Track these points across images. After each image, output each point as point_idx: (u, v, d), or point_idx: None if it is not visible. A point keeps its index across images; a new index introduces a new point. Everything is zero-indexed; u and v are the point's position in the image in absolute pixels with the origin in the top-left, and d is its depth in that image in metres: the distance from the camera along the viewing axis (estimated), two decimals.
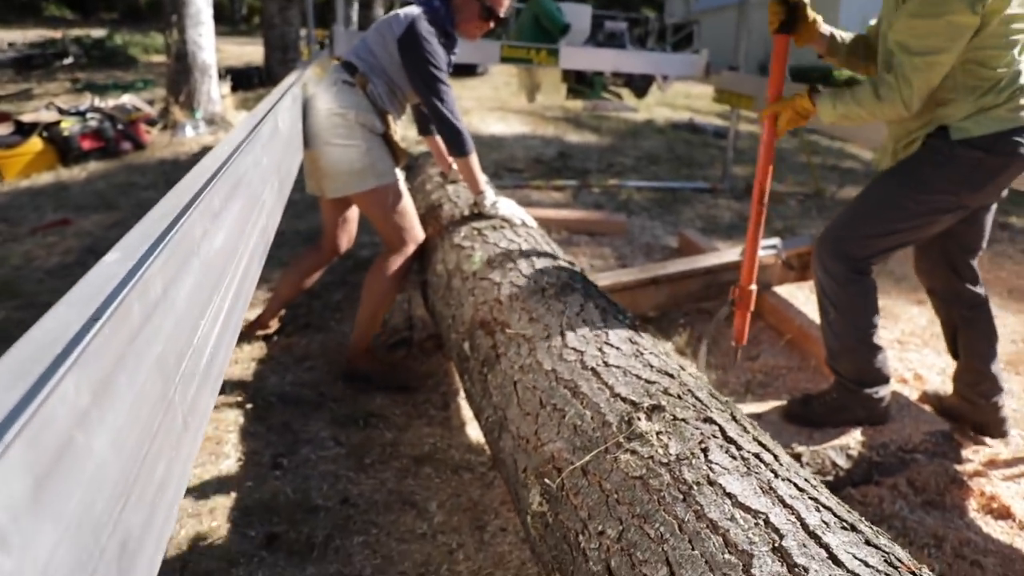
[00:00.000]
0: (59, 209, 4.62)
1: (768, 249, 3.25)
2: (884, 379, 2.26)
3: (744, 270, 2.17)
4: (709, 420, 1.22)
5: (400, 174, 2.59)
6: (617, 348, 1.50)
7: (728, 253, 3.40)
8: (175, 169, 5.68)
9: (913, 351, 3.07)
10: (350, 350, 2.70)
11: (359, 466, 2.26)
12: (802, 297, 3.56)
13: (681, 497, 1.06)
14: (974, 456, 2.31)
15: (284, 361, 2.86)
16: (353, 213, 2.84)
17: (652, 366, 1.42)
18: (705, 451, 1.14)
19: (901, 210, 2.07)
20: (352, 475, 2.22)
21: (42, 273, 3.63)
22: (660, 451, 1.15)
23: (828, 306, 2.24)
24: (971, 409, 2.38)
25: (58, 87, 10.35)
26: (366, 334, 2.68)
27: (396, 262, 2.58)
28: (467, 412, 2.56)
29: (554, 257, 2.05)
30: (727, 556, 0.93)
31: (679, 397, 1.29)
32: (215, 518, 2.03)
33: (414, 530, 2.00)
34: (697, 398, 1.30)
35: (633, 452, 1.18)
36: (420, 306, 2.92)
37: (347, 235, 2.86)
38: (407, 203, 2.57)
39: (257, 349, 2.93)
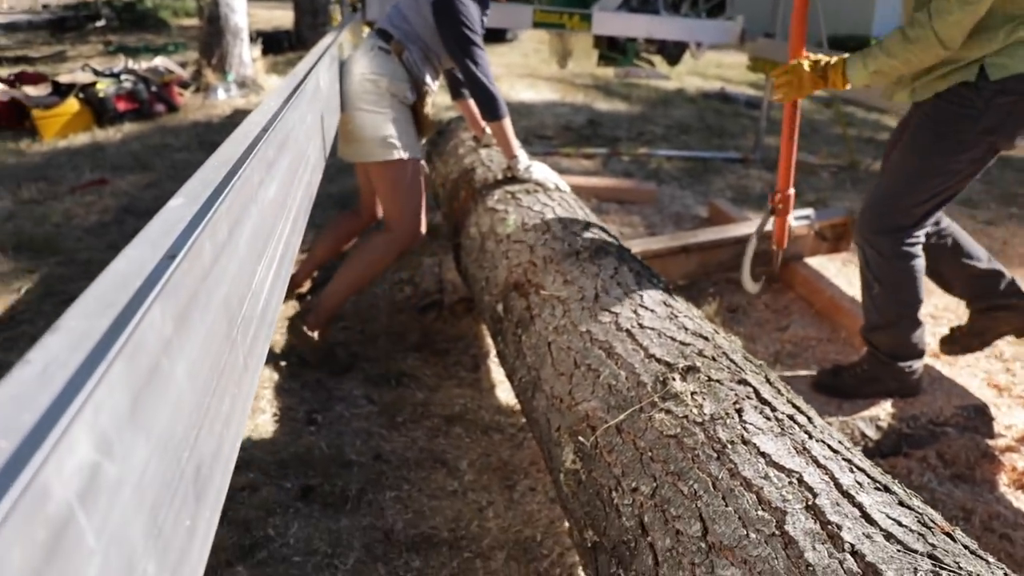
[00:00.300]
0: (96, 169, 4.70)
1: (801, 220, 3.22)
2: (919, 353, 2.25)
3: (781, 176, 2.20)
4: (743, 382, 1.23)
5: (422, 154, 2.57)
6: (651, 311, 1.51)
7: (758, 222, 3.38)
8: (208, 131, 5.74)
9: (946, 325, 3.04)
10: (313, 314, 2.60)
11: (391, 424, 2.31)
12: (833, 269, 3.53)
13: (715, 455, 1.07)
14: (1006, 431, 2.30)
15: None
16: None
17: (687, 328, 1.43)
18: (739, 411, 1.15)
19: (943, 175, 2.02)
20: (384, 432, 2.27)
21: (81, 231, 3.71)
22: (695, 411, 1.17)
23: (872, 280, 2.19)
24: (1005, 315, 2.35)
25: (91, 49, 10.43)
26: (333, 307, 2.61)
27: (389, 247, 2.56)
28: (497, 374, 2.59)
29: (588, 221, 2.06)
30: (761, 513, 0.95)
31: (713, 359, 1.31)
32: (252, 470, 2.09)
33: (445, 487, 2.05)
34: (732, 360, 1.31)
35: (668, 411, 1.19)
36: (451, 269, 2.95)
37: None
38: (420, 188, 2.55)
39: (290, 308, 2.98)
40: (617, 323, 1.48)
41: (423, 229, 2.61)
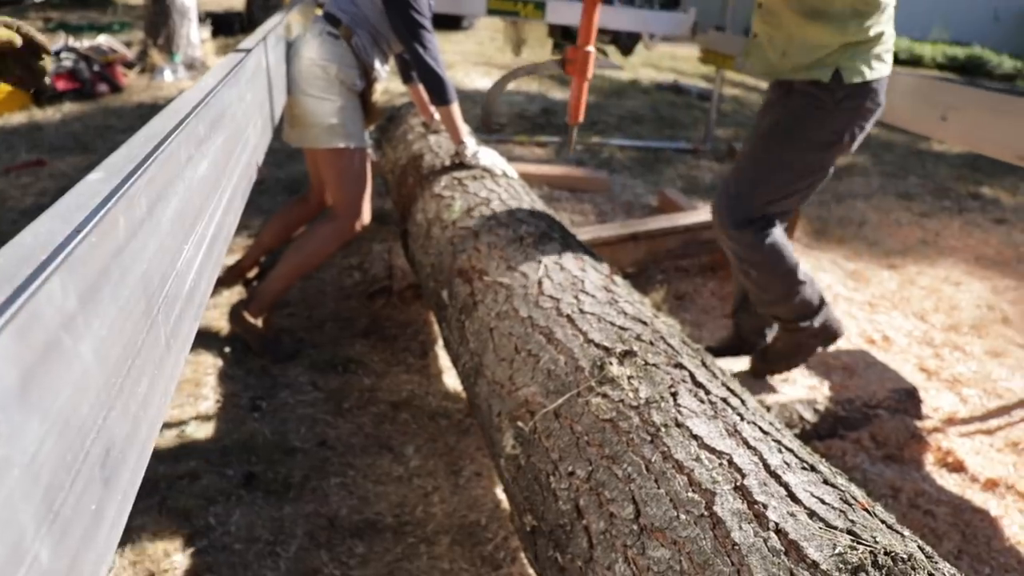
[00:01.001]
0: (33, 150, 4.52)
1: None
2: (820, 303, 2.26)
3: (581, 34, 2.02)
4: (679, 365, 1.25)
5: (368, 142, 2.53)
6: (592, 296, 1.52)
7: (707, 212, 3.43)
8: (153, 112, 5.55)
9: (882, 313, 3.14)
10: (255, 301, 2.56)
11: (337, 410, 2.28)
12: None
13: (649, 439, 1.09)
14: (934, 413, 2.39)
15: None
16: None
17: (626, 313, 1.45)
18: (674, 395, 1.17)
19: (795, 171, 2.07)
20: (330, 419, 2.24)
21: (16, 213, 3.56)
22: (630, 395, 1.18)
23: (747, 268, 2.21)
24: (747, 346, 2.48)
25: (29, 26, 10.00)
26: (273, 294, 2.56)
27: (333, 235, 2.53)
28: (445, 361, 2.58)
29: (533, 208, 2.06)
30: (691, 495, 0.97)
31: (651, 343, 1.32)
32: (193, 457, 2.05)
33: (390, 473, 2.04)
34: (669, 344, 1.33)
35: (604, 396, 1.21)
36: (400, 256, 2.93)
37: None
38: (365, 176, 2.52)
39: (236, 294, 2.92)
40: (558, 308, 1.49)
41: (367, 218, 2.58)
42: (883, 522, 0.90)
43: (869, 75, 1.93)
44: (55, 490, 0.48)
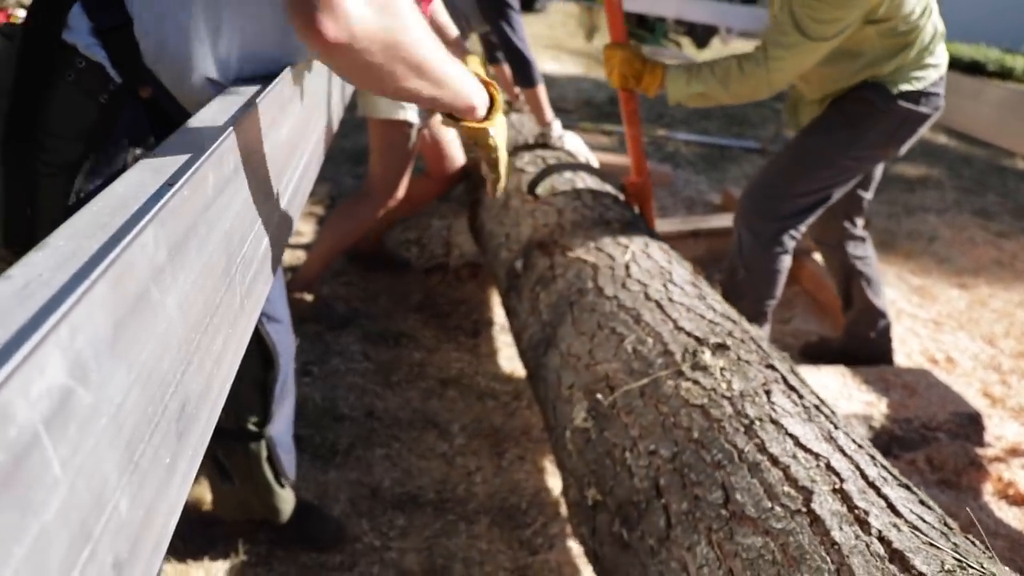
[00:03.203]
0: None
1: None
2: None
3: (632, 163, 2.16)
4: (771, 367, 1.22)
5: (420, 121, 2.46)
6: (681, 288, 1.49)
7: None
8: None
9: (948, 333, 3.02)
10: (296, 281, 2.57)
11: (386, 382, 2.30)
12: None
13: (742, 429, 1.05)
14: (996, 442, 2.29)
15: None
16: (443, 133, 2.68)
17: (715, 310, 1.42)
18: (768, 393, 1.13)
19: (834, 167, 2.03)
20: (379, 390, 2.26)
21: None
22: (723, 385, 1.15)
23: (739, 267, 2.20)
24: (865, 345, 2.49)
25: None
26: (314, 272, 2.57)
27: (367, 211, 2.51)
28: (495, 342, 2.58)
29: (616, 197, 2.04)
30: (787, 488, 0.93)
31: (742, 341, 1.29)
32: None
33: (435, 449, 2.05)
34: (759, 345, 1.30)
35: (695, 382, 1.18)
36: (459, 233, 2.93)
37: (447, 158, 2.71)
38: (412, 155, 2.49)
39: (293, 258, 2.96)
40: (646, 293, 1.46)
41: (401, 194, 2.57)
42: (983, 551, 0.86)
43: (917, 84, 1.92)
44: (136, 441, 0.48)
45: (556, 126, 2.41)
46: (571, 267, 1.66)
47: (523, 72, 2.35)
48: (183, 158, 0.63)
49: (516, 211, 2.06)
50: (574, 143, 2.41)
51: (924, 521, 0.88)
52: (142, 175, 0.59)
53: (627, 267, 1.57)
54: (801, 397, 1.14)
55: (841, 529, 0.85)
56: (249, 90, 0.86)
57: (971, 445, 2.21)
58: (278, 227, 0.94)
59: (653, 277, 1.53)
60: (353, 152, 4.21)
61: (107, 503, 0.45)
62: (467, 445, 2.06)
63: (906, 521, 0.87)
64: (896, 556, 0.80)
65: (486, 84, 0.98)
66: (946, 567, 0.78)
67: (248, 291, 0.79)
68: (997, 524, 1.95)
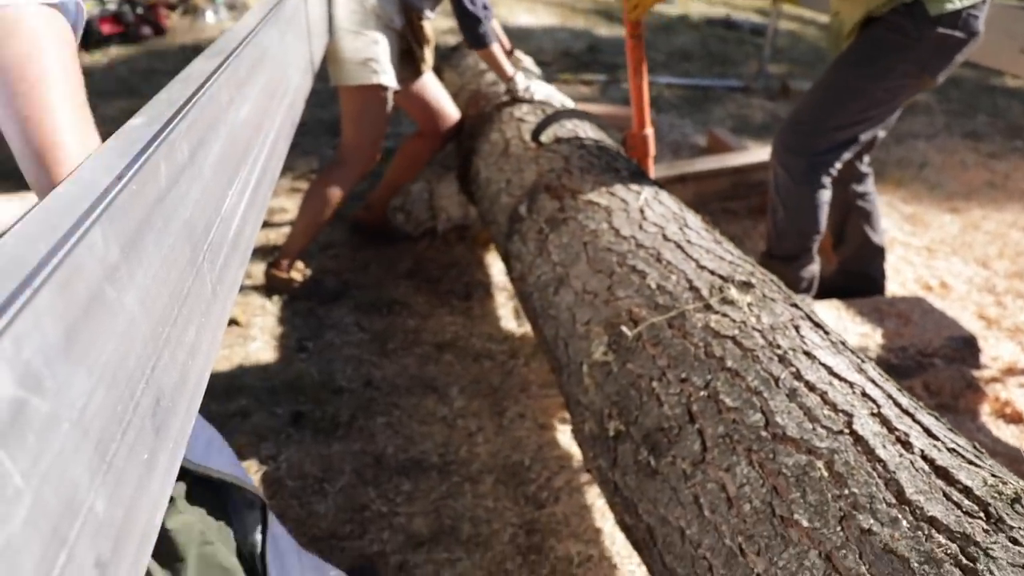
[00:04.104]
0: None
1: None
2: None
3: (634, 115, 2.15)
4: (795, 306, 1.23)
5: (396, 84, 2.43)
6: (697, 232, 1.49)
7: (758, 152, 3.31)
8: (196, 55, 5.56)
9: (941, 259, 3.03)
10: (280, 258, 2.57)
11: (382, 351, 2.31)
12: None
13: (776, 359, 1.06)
14: (992, 363, 2.31)
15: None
16: (432, 92, 2.64)
17: (732, 254, 1.42)
18: (797, 328, 1.14)
19: (868, 98, 2.00)
20: (375, 359, 2.27)
21: None
22: (752, 319, 1.15)
23: (778, 204, 2.20)
24: (859, 280, 2.48)
25: None
26: (297, 247, 2.56)
27: (343, 178, 2.49)
28: (489, 303, 2.58)
29: (619, 151, 2.01)
30: (827, 412, 0.95)
31: (764, 281, 1.30)
32: (243, 397, 2.10)
33: (435, 413, 2.06)
34: (778, 286, 1.31)
35: (724, 315, 1.18)
36: (443, 197, 2.90)
37: (439, 115, 2.65)
38: (385, 118, 2.46)
39: (280, 236, 2.95)
40: (664, 235, 1.45)
41: (377, 158, 2.54)
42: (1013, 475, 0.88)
43: (958, 3, 1.83)
44: (106, 442, 0.48)
45: (520, 79, 2.37)
46: (583, 209, 1.63)
47: (471, 33, 2.30)
48: (136, 148, 0.62)
49: (518, 158, 2.04)
50: (544, 91, 2.37)
51: (959, 445, 0.90)
52: (93, 171, 0.58)
53: (641, 211, 1.56)
54: (827, 333, 1.15)
55: (885, 448, 0.87)
56: (202, 72, 0.84)
57: (967, 368, 2.23)
58: (247, 209, 0.93)
59: (668, 221, 1.52)
60: (331, 123, 4.15)
61: (81, 506, 0.45)
62: (467, 407, 2.08)
63: (943, 443, 0.89)
64: (940, 472, 0.83)
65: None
66: (988, 483, 0.80)
67: (219, 277, 0.78)
68: (995, 443, 1.97)
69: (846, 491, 0.84)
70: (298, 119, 1.50)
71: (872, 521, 0.79)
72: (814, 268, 2.38)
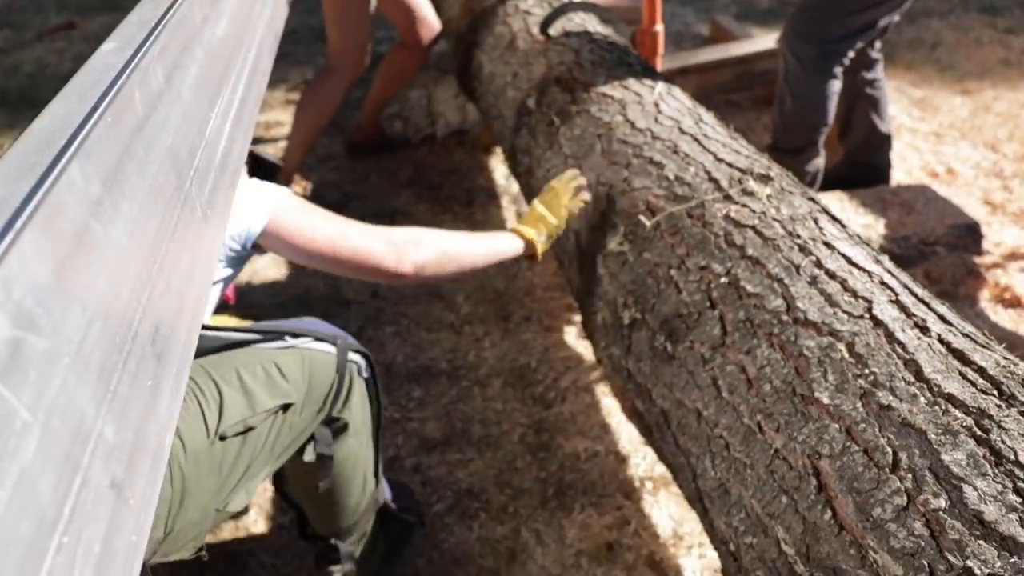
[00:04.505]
0: (63, 11, 4.42)
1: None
2: (809, 184, 2.28)
3: (645, 9, 2.04)
4: (812, 200, 1.23)
5: None
6: (712, 127, 1.47)
7: (763, 41, 3.20)
8: None
9: (949, 144, 2.97)
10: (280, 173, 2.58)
11: None
12: None
13: (796, 248, 1.08)
14: (995, 249, 2.31)
15: (308, 162, 2.85)
16: (417, 9, 2.54)
17: (749, 148, 1.41)
18: (816, 220, 1.15)
19: None
20: None
21: (58, 80, 3.55)
22: (772, 211, 1.16)
23: (786, 94, 2.16)
24: (864, 170, 2.46)
25: None
26: (295, 161, 2.53)
27: (334, 85, 2.44)
28: (490, 207, 2.58)
29: (629, 48, 1.96)
30: (847, 298, 0.97)
31: (781, 175, 1.30)
32: (252, 313, 2.14)
33: (442, 320, 2.10)
34: (793, 180, 1.30)
35: (744, 206, 1.19)
36: (440, 102, 2.85)
37: (421, 22, 2.55)
38: (369, 20, 2.38)
39: (277, 151, 2.92)
40: (680, 128, 1.44)
41: (366, 62, 2.47)
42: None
43: None
44: (109, 371, 0.50)
45: None
46: (596, 102, 1.61)
47: None
48: (106, 79, 0.61)
49: (525, 51, 1.99)
50: None
51: (972, 332, 0.94)
52: (67, 103, 0.57)
53: (656, 104, 1.54)
54: (844, 226, 1.16)
55: (904, 332, 0.91)
56: None
57: (969, 255, 2.23)
58: (233, 129, 0.92)
59: (684, 115, 1.51)
60: (322, 30, 4.00)
61: (90, 433, 0.47)
62: (473, 312, 2.12)
63: (958, 329, 0.92)
64: (956, 354, 0.87)
65: (519, 233, 1.35)
66: (1000, 364, 0.84)
67: (209, 202, 0.79)
68: (992, 328, 2.00)
69: (867, 371, 0.87)
70: (281, 30, 1.46)
71: (892, 398, 0.83)
72: (819, 162, 2.35)
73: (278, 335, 1.17)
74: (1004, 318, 2.04)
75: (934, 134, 3.05)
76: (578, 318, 2.05)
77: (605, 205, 1.39)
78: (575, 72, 1.75)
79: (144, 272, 0.58)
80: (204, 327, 1.07)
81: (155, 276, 0.61)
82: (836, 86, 2.12)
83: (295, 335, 1.18)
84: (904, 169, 2.76)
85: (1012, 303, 2.07)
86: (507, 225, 2.46)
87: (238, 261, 1.17)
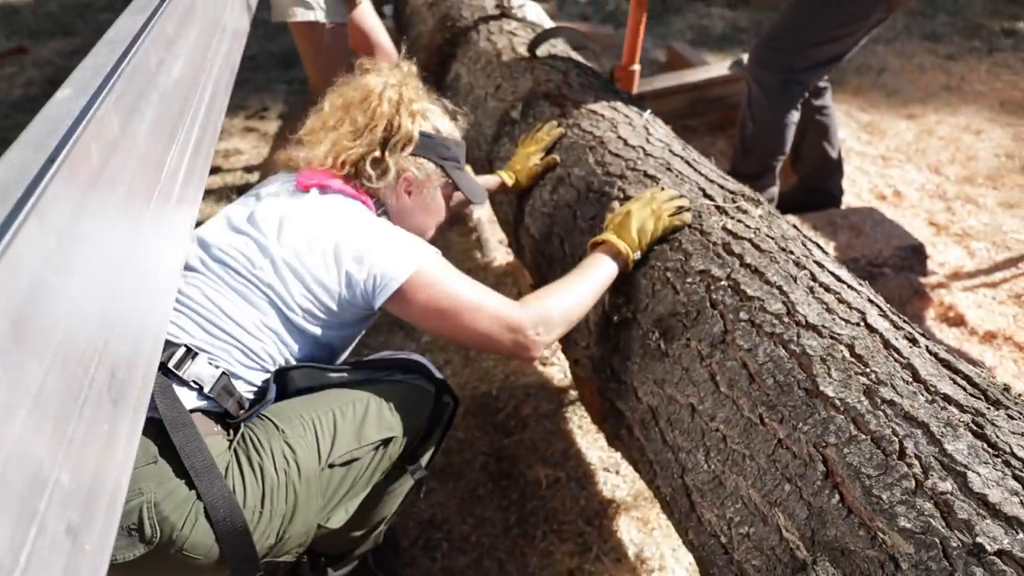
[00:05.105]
0: (12, 36, 4.36)
1: (737, 66, 3.15)
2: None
3: (626, 49, 2.18)
4: (796, 227, 1.28)
5: (344, 17, 2.36)
6: (698, 156, 1.52)
7: (717, 68, 3.30)
8: None
9: (896, 167, 3.08)
10: None
11: None
12: None
13: (791, 262, 1.13)
14: (940, 268, 2.40)
15: None
16: (371, 23, 2.53)
17: (731, 180, 1.45)
18: (803, 243, 1.21)
19: (841, 15, 2.00)
20: None
21: (6, 107, 3.50)
22: (765, 229, 1.21)
23: (748, 120, 2.22)
24: (817, 196, 2.54)
25: None
26: None
27: None
28: (451, 235, 2.60)
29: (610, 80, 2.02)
30: (843, 308, 1.03)
31: (767, 203, 1.35)
32: None
33: (404, 348, 2.11)
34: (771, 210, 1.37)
35: (739, 221, 1.24)
36: None
37: (379, 49, 2.55)
38: (342, 52, 2.39)
39: (236, 179, 2.91)
40: (671, 150, 1.49)
41: None
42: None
43: None
44: (65, 419, 0.51)
45: None
46: (587, 117, 1.64)
47: None
48: (65, 125, 0.62)
49: (510, 67, 2.03)
50: (535, 12, 2.35)
51: (946, 347, 1.01)
52: (23, 154, 0.59)
53: (646, 127, 1.59)
54: (827, 254, 1.22)
55: (897, 340, 0.98)
56: (128, 32, 0.82)
57: (915, 276, 2.32)
58: (190, 165, 0.93)
59: (672, 140, 1.56)
60: (281, 56, 4.03)
61: (47, 480, 0.48)
62: (433, 342, 2.13)
63: (941, 344, 1.01)
64: (944, 363, 0.95)
65: (609, 246, 1.25)
66: (981, 375, 0.94)
67: (169, 232, 0.80)
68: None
69: (868, 370, 0.93)
70: (237, 64, 1.47)
71: (894, 394, 0.89)
72: (774, 190, 2.42)
73: (390, 370, 1.24)
74: (949, 336, 2.11)
75: (881, 157, 3.16)
76: None
77: (596, 211, 1.41)
78: (564, 90, 1.80)
79: (101, 319, 0.60)
80: (330, 367, 1.19)
81: (112, 322, 0.62)
82: (795, 117, 2.20)
83: (405, 370, 1.24)
84: (854, 192, 2.85)
85: (956, 322, 2.15)
86: (470, 253, 2.48)
87: (364, 319, 1.23)
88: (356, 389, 1.18)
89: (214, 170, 2.97)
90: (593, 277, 1.22)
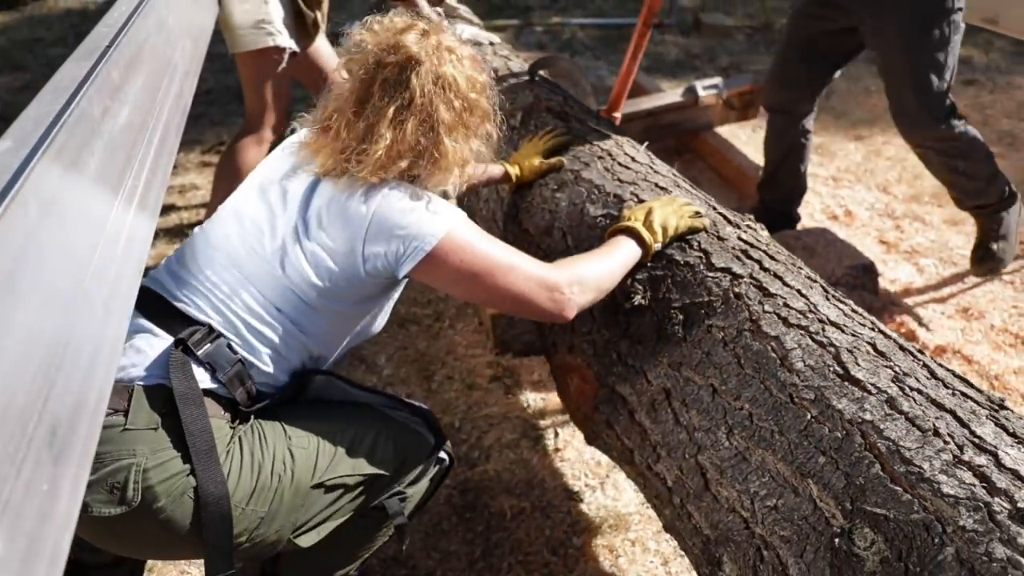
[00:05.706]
0: None
1: (709, 89, 3.22)
2: (1013, 191, 2.40)
3: (614, 93, 2.33)
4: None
5: (293, 45, 2.36)
6: (697, 185, 1.61)
7: (670, 95, 3.37)
8: (84, 21, 5.25)
9: (846, 187, 3.17)
10: None
11: None
12: (744, 137, 3.58)
13: (803, 276, 1.25)
14: (891, 286, 2.46)
15: None
16: (326, 58, 2.53)
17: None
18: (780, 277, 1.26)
19: (945, 50, 2.12)
20: None
21: None
22: (774, 248, 1.32)
23: (956, 162, 2.27)
24: (779, 217, 2.61)
25: None
26: None
27: (253, 148, 2.42)
28: None
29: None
30: (856, 315, 1.16)
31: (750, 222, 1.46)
32: None
33: (364, 382, 2.09)
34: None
35: (752, 234, 1.35)
36: None
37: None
38: (286, 78, 2.40)
39: (192, 216, 2.88)
40: (675, 174, 1.60)
41: (287, 120, 2.49)
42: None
43: None
44: (2, 482, 0.50)
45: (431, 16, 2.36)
46: (592, 131, 1.73)
47: None
48: (4, 179, 0.62)
49: (509, 83, 2.07)
50: (470, 32, 2.42)
51: (921, 352, 1.13)
52: None
53: (648, 154, 1.68)
54: (801, 269, 1.32)
55: (907, 345, 1.10)
56: (72, 80, 0.82)
57: (868, 294, 2.37)
58: (137, 215, 0.92)
59: (674, 170, 1.64)
60: (238, 89, 3.98)
61: None
62: (395, 374, 2.12)
63: (929, 373, 1.06)
64: (947, 370, 1.06)
65: (630, 230, 1.27)
66: (976, 384, 1.04)
67: (111, 293, 0.79)
68: None
69: (892, 363, 1.02)
70: (189, 103, 1.47)
71: (919, 384, 0.98)
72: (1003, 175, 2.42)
73: (401, 408, 1.25)
74: None
75: (832, 178, 3.25)
76: (501, 375, 2.08)
77: (602, 211, 1.45)
78: (566, 108, 1.88)
79: (40, 374, 0.59)
80: (352, 383, 1.22)
81: (53, 377, 0.61)
82: (966, 123, 2.26)
83: (414, 412, 1.25)
84: (807, 212, 2.92)
85: (908, 337, 2.19)
86: (425, 288, 2.48)
87: (385, 291, 1.23)
88: (367, 416, 1.20)
89: (169, 208, 2.93)
90: (618, 255, 1.23)
